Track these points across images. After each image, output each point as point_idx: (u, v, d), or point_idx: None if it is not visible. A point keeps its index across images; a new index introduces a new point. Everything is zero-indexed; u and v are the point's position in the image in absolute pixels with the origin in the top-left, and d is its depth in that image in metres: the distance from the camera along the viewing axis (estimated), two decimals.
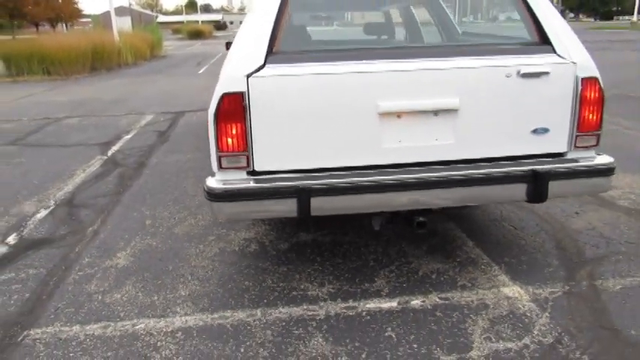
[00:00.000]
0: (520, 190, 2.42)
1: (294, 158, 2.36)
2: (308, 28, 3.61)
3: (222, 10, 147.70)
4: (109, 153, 5.42)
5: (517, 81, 2.37)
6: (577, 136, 2.49)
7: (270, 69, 2.26)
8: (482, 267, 2.76)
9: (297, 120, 2.30)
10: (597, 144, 2.54)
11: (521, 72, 2.35)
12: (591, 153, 2.55)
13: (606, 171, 2.50)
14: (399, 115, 2.36)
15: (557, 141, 2.49)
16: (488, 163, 2.45)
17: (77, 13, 56.20)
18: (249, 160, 2.32)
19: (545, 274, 2.67)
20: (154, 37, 24.46)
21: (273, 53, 2.31)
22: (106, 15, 20.70)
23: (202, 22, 65.47)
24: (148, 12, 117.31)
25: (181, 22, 66.32)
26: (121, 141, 5.97)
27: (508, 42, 2.89)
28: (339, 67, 2.29)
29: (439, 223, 3.32)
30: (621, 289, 2.49)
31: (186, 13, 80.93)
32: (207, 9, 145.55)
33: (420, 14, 4.14)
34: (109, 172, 4.70)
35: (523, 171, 2.39)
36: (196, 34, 49.90)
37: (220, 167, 2.34)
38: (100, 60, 16.54)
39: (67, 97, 10.35)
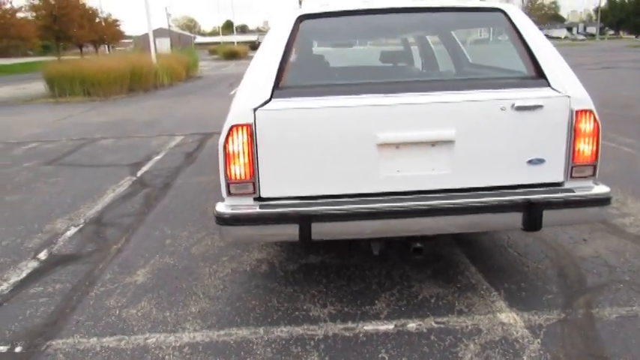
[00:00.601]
0: (516, 218, 2.49)
1: (298, 185, 2.51)
2: (314, 62, 3.84)
3: (258, 30, 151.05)
4: (138, 174, 5.71)
5: (512, 113, 2.47)
6: (573, 166, 2.56)
7: (276, 103, 2.44)
8: (482, 292, 2.84)
9: (300, 150, 2.46)
10: (594, 174, 2.60)
11: (516, 105, 2.46)
12: (588, 183, 2.61)
13: (601, 201, 2.56)
14: (397, 145, 2.49)
15: (554, 171, 2.56)
16: (484, 192, 2.54)
17: (119, 35, 58.63)
18: (256, 187, 2.49)
19: (543, 301, 2.72)
20: (190, 58, 25.30)
21: (279, 88, 2.50)
22: (146, 37, 21.54)
23: (238, 42, 67.03)
24: (187, 33, 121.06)
25: (218, 43, 68.09)
26: (151, 162, 6.27)
27: (505, 75, 3.02)
28: (340, 101, 2.46)
29: (445, 248, 3.41)
30: (617, 318, 2.53)
31: (223, 34, 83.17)
32: (243, 30, 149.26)
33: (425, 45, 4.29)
34: (136, 193, 4.97)
35: (518, 200, 2.47)
36: (232, 55, 51.22)
37: (229, 193, 2.51)
38: (137, 81, 17.23)
39: (104, 118, 10.86)
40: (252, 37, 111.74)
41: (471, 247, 3.43)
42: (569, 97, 2.49)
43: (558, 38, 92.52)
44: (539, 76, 2.58)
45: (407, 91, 2.52)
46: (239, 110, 2.44)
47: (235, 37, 70.52)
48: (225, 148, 2.44)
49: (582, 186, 2.58)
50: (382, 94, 2.49)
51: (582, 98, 2.51)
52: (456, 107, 2.47)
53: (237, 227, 2.51)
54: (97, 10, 51.76)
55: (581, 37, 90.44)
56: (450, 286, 2.92)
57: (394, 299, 2.80)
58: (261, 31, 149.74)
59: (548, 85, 2.53)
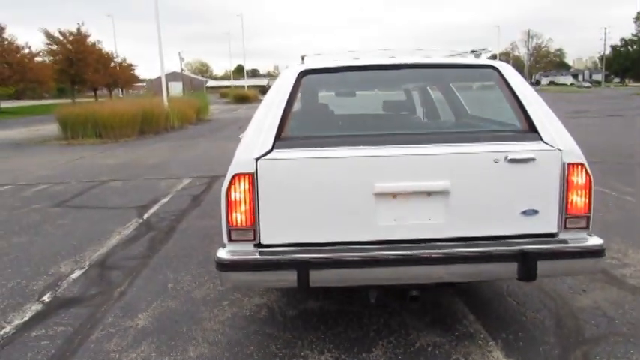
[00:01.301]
0: (511, 268, 2.53)
1: (298, 233, 2.59)
2: (315, 113, 4.01)
3: (269, 74, 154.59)
4: (145, 216, 5.81)
5: (505, 166, 2.56)
6: (566, 218, 2.61)
7: (277, 153, 2.55)
8: (479, 342, 2.84)
9: (300, 198, 2.55)
10: (588, 226, 2.64)
11: (509, 158, 2.55)
12: (582, 234, 2.65)
13: (595, 253, 2.60)
14: (394, 195, 2.58)
15: (548, 222, 2.62)
16: (479, 242, 2.59)
17: (133, 79, 60.32)
18: (256, 233, 2.55)
19: (539, 351, 2.73)
20: (201, 101, 25.93)
21: (281, 139, 2.61)
22: (159, 80, 22.19)
23: (248, 86, 68.56)
24: (199, 77, 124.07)
25: (229, 87, 69.81)
26: (157, 204, 6.38)
27: (499, 128, 3.14)
28: (340, 152, 2.56)
29: (444, 296, 3.43)
30: None
31: (234, 78, 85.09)
32: (254, 74, 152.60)
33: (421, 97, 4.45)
34: (142, 235, 5.05)
35: (512, 250, 2.52)
36: (242, 98, 52.32)
37: (230, 239, 2.58)
38: (148, 124, 17.63)
39: (115, 160, 11.10)
40: (263, 81, 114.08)
41: (470, 296, 3.44)
42: (560, 150, 2.58)
43: (564, 85, 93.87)
44: (531, 130, 2.68)
45: (403, 143, 2.63)
46: (242, 159, 2.54)
47: (246, 81, 72.06)
48: (227, 195, 2.52)
49: (576, 237, 2.63)
50: (379, 146, 2.59)
51: (573, 152, 2.60)
52: (451, 159, 2.57)
53: (236, 273, 2.58)
54: (112, 54, 53.46)
55: (587, 84, 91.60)
56: (448, 334, 2.93)
57: (391, 347, 2.81)
58: (271, 75, 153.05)
59: (540, 139, 2.63)
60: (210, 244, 4.68)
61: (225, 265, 2.54)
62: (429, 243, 2.59)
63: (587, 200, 2.60)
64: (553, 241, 2.61)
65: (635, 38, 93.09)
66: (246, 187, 2.51)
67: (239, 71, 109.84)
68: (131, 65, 58.56)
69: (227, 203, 2.53)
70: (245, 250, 2.57)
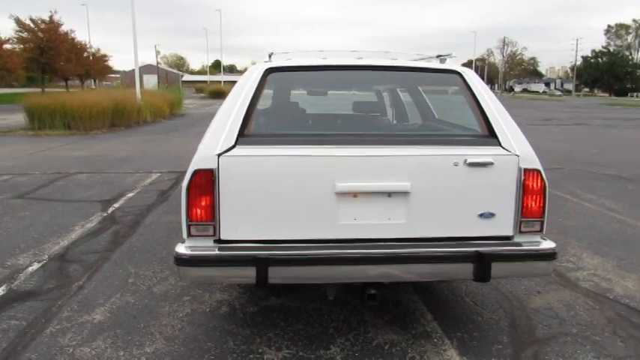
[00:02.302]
0: (467, 269, 2.59)
1: (258, 229, 2.58)
2: (278, 111, 4.01)
3: (246, 71, 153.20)
4: (109, 210, 5.71)
5: (464, 169, 2.62)
6: (521, 221, 2.67)
7: (240, 150, 2.53)
8: (435, 340, 2.90)
9: (261, 195, 2.55)
10: (541, 230, 2.72)
11: (468, 161, 2.61)
12: (536, 238, 2.72)
13: (547, 256, 2.68)
14: (355, 194, 2.60)
15: (503, 225, 2.69)
16: (438, 243, 2.65)
17: (107, 70, 59.00)
18: (216, 229, 2.54)
19: (492, 350, 2.79)
20: (175, 96, 25.57)
21: (244, 135, 2.60)
22: (134, 72, 21.79)
23: (225, 82, 67.94)
24: (175, 71, 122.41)
25: (205, 82, 69.09)
26: (123, 199, 6.29)
27: (460, 132, 3.25)
28: (302, 150, 2.56)
29: (404, 295, 3.48)
30: None
31: (212, 74, 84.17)
32: (231, 70, 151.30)
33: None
34: (105, 229, 4.97)
35: (468, 252, 2.57)
36: (217, 94, 51.67)
37: (189, 235, 2.56)
38: (119, 117, 17.31)
39: (82, 152, 10.87)
40: (239, 77, 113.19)
41: (429, 295, 3.50)
42: (517, 156, 2.64)
43: (537, 92, 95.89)
44: (490, 135, 2.73)
45: (367, 143, 2.67)
46: (203, 155, 2.53)
47: (222, 77, 71.46)
48: (188, 190, 2.52)
49: (530, 240, 2.70)
50: (343, 146, 2.61)
51: (530, 158, 2.66)
52: (412, 161, 2.61)
53: (195, 268, 2.54)
54: (85, 44, 52.27)
55: (558, 92, 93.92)
56: (405, 333, 2.98)
57: (349, 344, 2.84)
58: None
59: (499, 144, 2.68)
60: (174, 239, 4.62)
61: (183, 261, 2.51)
62: (389, 243, 2.63)
63: (541, 205, 2.67)
64: (508, 243, 2.67)
65: (605, 50, 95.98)
66: (207, 182, 2.50)
67: (216, 66, 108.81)
68: (105, 56, 57.27)
69: (187, 198, 2.52)
70: (204, 246, 2.55)
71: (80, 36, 71.57)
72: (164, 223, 5.21)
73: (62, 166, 8.79)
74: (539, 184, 2.65)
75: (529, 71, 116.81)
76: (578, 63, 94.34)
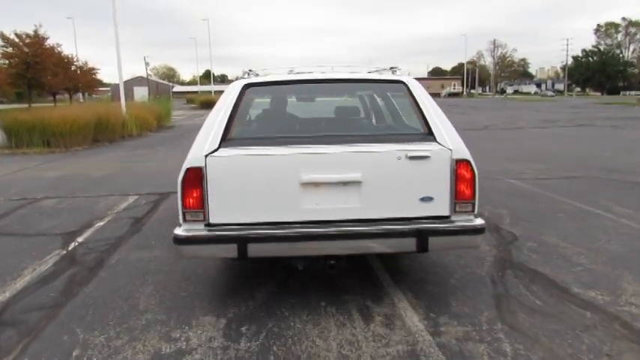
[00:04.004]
0: (410, 243, 3.11)
1: (239, 215, 3.12)
2: (256, 119, 4.56)
3: (237, 79, 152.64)
4: (71, 246, 4.86)
5: (406, 162, 3.13)
6: (455, 203, 3.17)
7: (222, 151, 3.09)
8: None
9: (240, 187, 3.09)
10: (473, 210, 3.22)
11: (409, 155, 3.12)
12: (470, 217, 3.21)
13: (477, 231, 3.18)
14: (316, 184, 3.12)
15: (441, 207, 3.18)
16: (386, 222, 3.14)
17: (95, 83, 58.09)
18: (205, 215, 3.09)
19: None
20: (163, 107, 24.75)
21: (226, 140, 3.16)
22: (124, 84, 20.97)
23: (216, 92, 67.20)
24: (165, 82, 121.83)
25: (196, 92, 68.25)
26: (90, 230, 5.44)
27: (405, 132, 3.81)
28: (273, 150, 3.11)
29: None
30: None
31: (202, 84, 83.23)
32: (222, 80, 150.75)
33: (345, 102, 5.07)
34: (60, 274, 4.12)
35: (410, 229, 3.10)
36: (208, 104, 50.87)
37: (184, 220, 3.11)
38: (103, 132, 16.47)
39: (58, 172, 10.01)
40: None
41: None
42: (450, 149, 3.15)
43: (528, 94, 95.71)
44: (429, 133, 3.25)
45: (326, 143, 3.19)
46: (194, 156, 3.08)
47: (213, 87, 70.82)
48: (182, 184, 3.06)
49: (464, 219, 3.19)
50: (307, 145, 3.15)
51: (461, 151, 3.16)
52: (363, 156, 3.14)
53: (189, 246, 3.13)
54: (72, 57, 51.41)
55: (550, 93, 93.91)
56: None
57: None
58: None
59: (435, 140, 3.19)
60: (141, 286, 3.80)
61: (181, 240, 3.08)
62: (345, 223, 3.12)
63: (472, 189, 3.17)
64: (444, 222, 3.16)
65: (596, 49, 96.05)
66: (197, 178, 3.04)
67: (207, 77, 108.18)
68: (93, 69, 56.40)
69: (182, 190, 3.06)
70: (196, 229, 3.09)
71: (68, 49, 70.82)
72: (132, 262, 4.37)
73: (31, 190, 7.93)
74: (469, 173, 3.15)
75: (520, 73, 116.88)
76: (569, 63, 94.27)
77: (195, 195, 3.05)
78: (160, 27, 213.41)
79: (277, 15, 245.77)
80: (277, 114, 4.39)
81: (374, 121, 4.66)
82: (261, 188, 3.09)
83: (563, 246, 4.54)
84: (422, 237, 3.08)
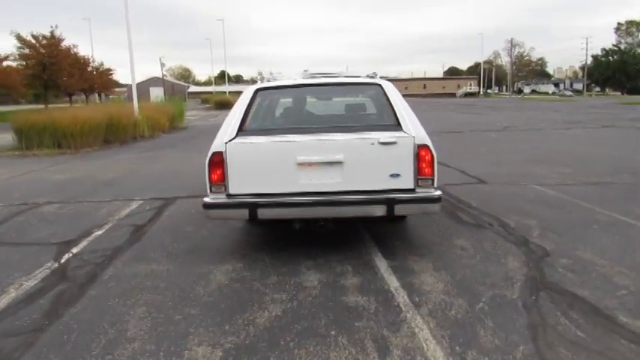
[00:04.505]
0: (381, 209, 3.96)
1: (251, 187, 4.05)
2: (265, 114, 5.15)
3: (252, 81, 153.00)
4: (64, 258, 4.54)
5: (378, 146, 4.00)
6: (418, 179, 4.01)
7: (239, 139, 4.06)
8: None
9: (252, 166, 4.04)
10: (433, 184, 4.04)
11: (379, 141, 4.00)
12: (430, 189, 4.02)
13: (434, 200, 3.99)
14: (309, 164, 4.02)
15: (407, 182, 4.02)
16: (363, 193, 4.02)
17: (111, 84, 58.38)
18: (226, 187, 4.03)
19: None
20: (176, 108, 24.55)
21: (242, 130, 4.15)
22: (141, 85, 20.83)
23: (230, 92, 67.07)
24: (181, 82, 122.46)
25: (211, 93, 68.16)
26: (87, 239, 5.12)
27: (380, 123, 4.39)
28: (276, 138, 4.07)
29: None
30: None
31: (218, 84, 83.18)
32: (237, 80, 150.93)
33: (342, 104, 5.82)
34: (47, 291, 3.79)
35: (381, 198, 3.97)
36: (222, 105, 50.83)
37: (211, 191, 4.06)
38: (114, 133, 16.28)
39: (64, 175, 9.77)
40: (244, 87, 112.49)
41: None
42: (413, 137, 4.00)
43: (546, 93, 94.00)
44: (397, 124, 4.12)
45: (317, 132, 4.13)
46: (217, 143, 4.04)
47: (227, 87, 70.84)
48: (209, 164, 4.02)
49: (424, 191, 4.01)
50: (302, 134, 4.09)
51: (422, 138, 4.01)
52: (344, 142, 4.03)
53: (214, 210, 4.08)
54: (88, 58, 51.70)
55: (569, 93, 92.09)
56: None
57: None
58: (254, 82, 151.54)
59: (401, 129, 4.07)
60: (132, 307, 3.44)
61: (208, 206, 4.04)
62: (331, 194, 4.01)
63: (431, 168, 3.99)
64: (409, 193, 4.00)
65: (616, 48, 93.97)
66: (219, 159, 3.99)
67: (222, 77, 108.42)
68: (109, 70, 56.73)
69: (209, 169, 4.01)
70: (219, 197, 4.04)
71: (84, 51, 71.41)
72: (127, 277, 4.02)
73: (34, 194, 7.67)
74: (429, 155, 3.98)
75: (537, 72, 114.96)
76: (589, 62, 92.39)
77: (218, 172, 4.03)
78: (176, 28, 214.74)
79: (293, 14, 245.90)
80: (281, 110, 5.57)
81: (355, 115, 5.35)
82: (268, 167, 4.06)
83: (601, 263, 4.08)
84: (390, 205, 3.97)
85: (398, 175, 4.01)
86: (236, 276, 3.99)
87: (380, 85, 4.51)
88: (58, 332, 3.12)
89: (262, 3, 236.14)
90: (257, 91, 4.56)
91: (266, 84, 4.75)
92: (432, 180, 4.02)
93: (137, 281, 3.92)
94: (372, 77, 4.78)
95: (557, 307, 3.31)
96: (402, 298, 3.49)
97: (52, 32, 43.14)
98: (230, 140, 4.04)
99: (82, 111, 17.79)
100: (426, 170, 3.99)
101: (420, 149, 3.98)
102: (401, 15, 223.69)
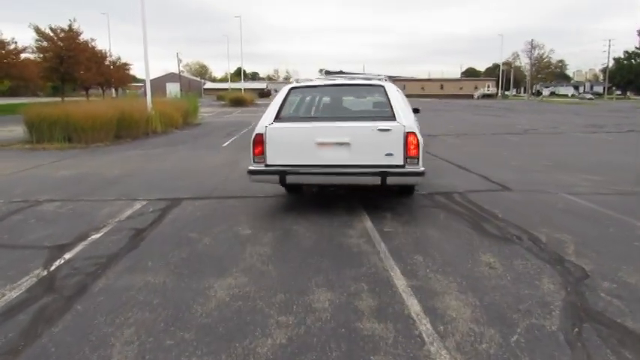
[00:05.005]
0: (377, 179, 5.31)
1: (282, 159, 5.51)
2: (296, 107, 6.50)
3: (268, 78, 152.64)
4: (54, 265, 4.18)
5: (377, 132, 5.35)
6: (407, 157, 5.31)
7: (275, 124, 5.57)
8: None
9: (284, 144, 5.53)
10: (418, 163, 5.34)
11: (378, 128, 5.36)
12: (416, 166, 5.33)
13: (418, 174, 5.35)
14: (325, 144, 5.43)
15: (398, 159, 5.33)
16: (365, 167, 5.37)
17: (127, 79, 58.52)
18: (265, 159, 5.53)
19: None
20: (190, 104, 24.30)
21: (278, 118, 5.65)
22: (158, 80, 20.70)
23: (246, 89, 66.83)
24: (197, 79, 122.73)
25: (227, 90, 67.88)
26: (83, 243, 4.77)
27: (381, 115, 5.66)
28: (302, 124, 5.72)
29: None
30: None
31: (234, 81, 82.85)
32: (254, 77, 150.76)
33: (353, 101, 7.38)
34: (30, 303, 3.43)
35: (377, 171, 5.31)
36: (238, 102, 50.63)
37: (253, 162, 5.56)
38: (126, 128, 16.03)
39: (71, 171, 9.48)
40: (262, 85, 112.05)
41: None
42: (404, 126, 5.34)
43: (565, 96, 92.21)
44: (393, 116, 5.45)
45: (332, 121, 5.70)
46: (260, 126, 5.57)
47: (243, 84, 70.51)
48: (253, 142, 5.52)
49: (412, 167, 5.33)
50: (322, 122, 5.79)
51: (410, 127, 5.35)
52: (351, 129, 5.45)
53: (255, 175, 5.62)
54: (105, 52, 51.84)
55: (589, 96, 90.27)
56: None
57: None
58: (271, 79, 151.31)
59: (395, 120, 5.41)
60: (121, 327, 3.06)
61: (251, 172, 5.60)
62: (341, 167, 5.42)
63: (417, 150, 5.29)
64: (400, 168, 5.33)
65: (639, 51, 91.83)
66: (260, 139, 5.51)
67: (239, 74, 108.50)
68: (126, 64, 56.88)
69: (253, 146, 5.54)
70: (259, 166, 5.57)
71: (102, 46, 71.69)
72: (118, 290, 3.64)
73: (37, 190, 7.37)
74: (415, 140, 5.31)
75: (556, 74, 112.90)
76: (610, 65, 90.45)
77: (259, 148, 5.51)
78: (193, 24, 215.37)
79: (311, 13, 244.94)
80: (307, 104, 6.83)
81: (362, 108, 7.00)
82: (295, 145, 5.51)
83: None
84: (384, 176, 5.30)
85: (391, 155, 5.35)
86: (238, 292, 3.59)
87: (383, 87, 5.88)
88: (32, 356, 2.75)
89: (281, 1, 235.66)
90: (291, 89, 6.09)
91: (297, 84, 6.26)
92: (418, 159, 5.34)
93: (129, 295, 3.54)
94: (379, 79, 6.24)
95: (605, 343, 2.85)
96: (424, 326, 3.06)
97: (70, 26, 43.31)
98: (268, 125, 5.60)
99: (95, 105, 17.57)
100: (413, 151, 5.32)
101: (409, 135, 5.33)
102: (417, 14, 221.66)
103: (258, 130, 5.51)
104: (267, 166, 5.50)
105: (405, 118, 5.42)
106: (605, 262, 4.18)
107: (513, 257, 4.31)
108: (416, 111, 8.10)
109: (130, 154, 12.14)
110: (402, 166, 5.29)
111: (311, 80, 6.48)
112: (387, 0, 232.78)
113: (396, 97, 5.70)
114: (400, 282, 3.77)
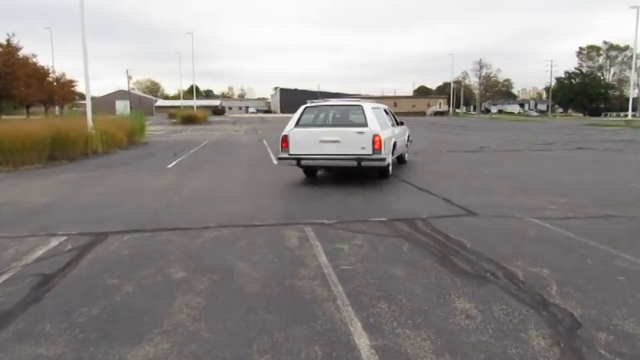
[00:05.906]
0: (355, 163, 9.20)
1: (299, 150, 9.56)
2: (309, 118, 10.24)
3: (223, 96, 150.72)
4: None
5: (356, 134, 9.27)
6: (373, 150, 9.10)
7: (295, 129, 9.83)
8: None
9: (300, 141, 9.62)
10: (381, 153, 9.10)
11: (356, 132, 9.30)
12: (380, 155, 9.11)
13: (381, 160, 9.15)
14: (325, 141, 9.39)
15: (368, 151, 9.12)
16: (348, 155, 9.24)
17: (72, 96, 55.97)
18: (288, 150, 9.66)
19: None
20: (136, 122, 23.08)
21: (297, 125, 9.92)
22: (106, 98, 19.49)
23: (200, 106, 65.24)
24: (149, 96, 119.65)
25: (179, 107, 66.01)
26: None
27: (359, 123, 9.54)
28: (311, 129, 9.89)
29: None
30: None
31: (187, 98, 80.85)
32: (208, 95, 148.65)
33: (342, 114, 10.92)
34: None
35: (355, 158, 9.18)
36: (190, 120, 49.24)
37: (281, 151, 9.79)
38: (61, 148, 14.81)
39: None
40: (216, 102, 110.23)
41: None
42: (372, 130, 9.19)
43: (512, 113, 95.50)
44: (366, 124, 9.38)
45: (329, 126, 10.07)
46: (286, 131, 9.76)
47: (196, 102, 68.86)
48: (282, 140, 9.72)
49: (377, 155, 9.11)
50: (322, 127, 9.99)
51: (376, 131, 9.17)
52: (340, 132, 9.48)
53: (282, 160, 9.88)
54: (48, 69, 49.45)
55: (535, 113, 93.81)
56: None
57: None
58: (225, 97, 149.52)
59: (367, 126, 9.30)
60: None
61: (280, 158, 9.87)
62: (334, 155, 9.33)
63: (379, 145, 9.06)
64: (369, 156, 9.12)
65: (578, 71, 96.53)
66: (286, 138, 9.67)
67: (192, 92, 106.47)
68: (72, 81, 54.46)
69: (282, 142, 9.68)
70: (285, 154, 9.69)
71: (45, 61, 68.50)
72: None
73: None
74: (379, 139, 9.06)
75: (503, 92, 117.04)
76: (553, 84, 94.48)
77: (285, 143, 9.59)
78: (145, 40, 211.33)
79: (267, 31, 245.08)
80: (315, 117, 10.34)
81: (347, 119, 10.16)
82: (307, 142, 9.45)
83: None
84: (359, 161, 9.09)
85: (364, 148, 9.05)
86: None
87: (361, 106, 9.89)
88: None
89: (235, 19, 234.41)
90: (305, 107, 10.22)
91: (310, 104, 10.39)
92: (380, 151, 9.00)
93: None
94: (358, 101, 10.49)
95: None
96: None
97: (8, 40, 41.12)
98: (291, 129, 9.62)
99: (28, 123, 16.26)
100: (377, 146, 8.99)
101: (375, 136, 9.02)
102: (371, 36, 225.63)
103: (285, 132, 9.62)
104: (289, 154, 9.50)
105: (373, 125, 9.26)
106: (593, 304, 3.63)
107: (491, 301, 3.70)
108: (400, 123, 12.85)
109: (63, 178, 11.02)
110: (371, 155, 9.01)
111: (313, 102, 10.77)
112: (342, 21, 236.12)
113: (369, 112, 9.61)
114: (362, 341, 3.07)
